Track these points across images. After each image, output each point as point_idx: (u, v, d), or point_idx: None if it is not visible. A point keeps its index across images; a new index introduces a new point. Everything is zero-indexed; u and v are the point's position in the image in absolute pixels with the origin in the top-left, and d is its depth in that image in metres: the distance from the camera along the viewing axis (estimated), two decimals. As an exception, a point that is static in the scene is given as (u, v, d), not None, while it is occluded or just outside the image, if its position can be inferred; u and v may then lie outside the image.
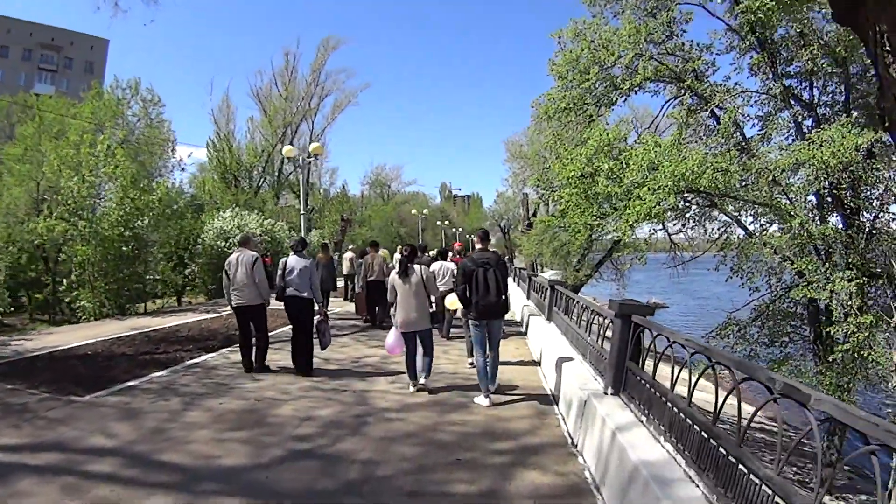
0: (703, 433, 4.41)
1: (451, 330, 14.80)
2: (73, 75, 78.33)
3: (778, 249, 16.08)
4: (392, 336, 9.56)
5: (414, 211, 71.13)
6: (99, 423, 7.59)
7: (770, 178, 15.84)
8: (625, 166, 16.72)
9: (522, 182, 49.36)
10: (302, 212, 23.14)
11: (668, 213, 16.99)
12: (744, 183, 16.57)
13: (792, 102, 17.28)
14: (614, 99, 19.88)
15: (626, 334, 6.37)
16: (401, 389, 9.61)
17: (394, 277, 9.55)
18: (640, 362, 6.15)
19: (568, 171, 17.92)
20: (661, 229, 19.04)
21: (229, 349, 12.98)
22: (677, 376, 5.10)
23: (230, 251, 24.27)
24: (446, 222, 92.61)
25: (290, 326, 11.34)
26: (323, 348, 11.55)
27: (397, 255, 16.93)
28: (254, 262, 10.56)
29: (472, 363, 10.89)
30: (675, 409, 4.95)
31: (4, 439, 6.91)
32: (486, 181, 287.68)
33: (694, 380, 4.76)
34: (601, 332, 7.95)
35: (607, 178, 17.00)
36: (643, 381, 5.82)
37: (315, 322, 11.07)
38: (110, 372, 10.53)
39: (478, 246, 9.24)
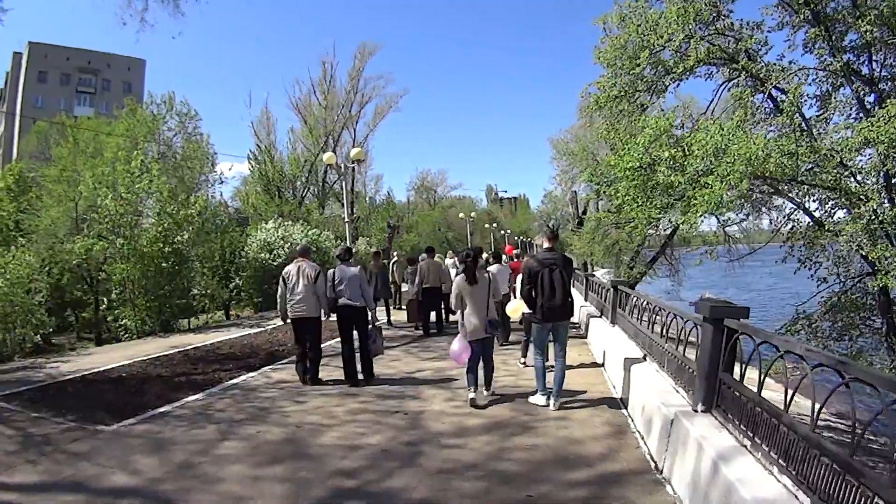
0: (836, 466, 3.50)
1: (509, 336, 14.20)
2: (111, 97, 78.76)
3: (850, 237, 14.93)
4: (457, 343, 9.04)
5: (461, 215, 70.90)
6: (123, 457, 6.94)
7: (838, 160, 14.77)
8: (687, 153, 15.70)
9: (571, 180, 48.17)
10: (346, 220, 22.61)
11: (739, 202, 15.88)
12: (810, 166, 15.44)
13: (853, 79, 16.18)
14: (667, 84, 18.97)
15: (718, 341, 5.50)
16: (458, 409, 8.69)
17: (461, 284, 9.09)
18: (740, 375, 5.23)
19: (625, 162, 16.82)
20: (725, 221, 17.77)
21: (271, 367, 12.43)
22: (793, 393, 4.21)
23: (274, 263, 25.85)
24: (494, 225, 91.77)
25: (338, 339, 11.16)
26: (373, 356, 11.13)
27: (448, 261, 17.13)
28: (317, 273, 10.51)
29: (524, 363, 11.33)
30: (793, 434, 4.02)
31: (18, 477, 6.35)
32: (531, 182, 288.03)
33: (822, 398, 3.83)
34: (681, 336, 7.03)
35: (668, 167, 16.01)
36: (744, 398, 4.91)
37: (368, 330, 10.86)
38: (143, 397, 9.96)
39: (545, 245, 9.00)
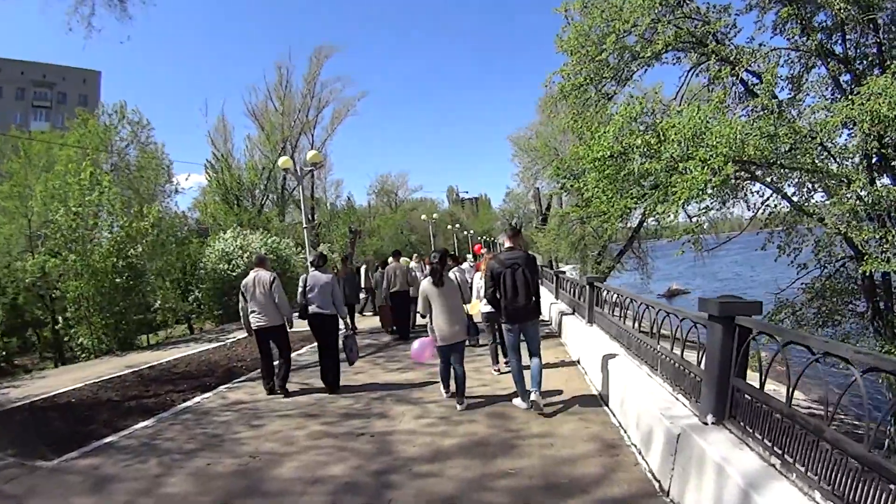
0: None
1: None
2: (67, 110, 77.16)
3: (831, 220, 14.39)
4: (417, 343, 9.10)
5: (423, 216, 69.80)
6: (61, 499, 6.30)
7: (819, 142, 14.18)
8: (663, 139, 14.88)
9: (533, 176, 48.15)
10: (304, 225, 21.52)
11: (721, 188, 15.09)
12: (788, 149, 14.73)
13: (827, 59, 15.61)
14: (634, 70, 18.34)
15: (728, 342, 4.74)
16: (431, 427, 7.86)
17: (427, 287, 8.89)
18: (760, 381, 4.47)
19: (594, 152, 15.95)
20: (702, 209, 16.89)
21: (227, 386, 11.68)
22: (837, 403, 3.51)
23: (233, 273, 25.29)
24: (457, 226, 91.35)
25: (314, 345, 11.44)
26: (350, 364, 11.20)
27: (413, 264, 16.76)
28: (272, 281, 10.35)
29: (497, 370, 10.84)
30: (841, 453, 3.29)
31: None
32: (493, 182, 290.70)
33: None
34: (676, 336, 6.35)
35: (642, 154, 15.28)
36: (768, 409, 4.18)
37: (341, 338, 10.86)
38: (89, 425, 9.26)
39: (506, 244, 8.72)
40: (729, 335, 4.69)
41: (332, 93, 56.55)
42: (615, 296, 9.95)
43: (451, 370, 9.00)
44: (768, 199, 16.79)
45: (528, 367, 8.37)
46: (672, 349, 6.35)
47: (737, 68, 15.79)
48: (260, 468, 6.78)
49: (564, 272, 18.88)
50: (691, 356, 5.68)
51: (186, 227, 36.90)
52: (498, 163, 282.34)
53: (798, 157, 14.43)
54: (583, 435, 6.99)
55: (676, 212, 15.09)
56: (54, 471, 7.23)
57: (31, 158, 30.14)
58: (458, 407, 8.65)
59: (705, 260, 21.78)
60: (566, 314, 14.11)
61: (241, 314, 10.55)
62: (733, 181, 15.31)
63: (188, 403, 10.37)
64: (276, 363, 10.78)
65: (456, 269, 12.73)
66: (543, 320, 16.76)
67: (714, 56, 16.31)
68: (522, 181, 54.46)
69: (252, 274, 10.50)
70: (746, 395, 4.50)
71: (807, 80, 16.23)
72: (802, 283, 17.04)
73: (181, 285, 28.55)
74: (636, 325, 8.07)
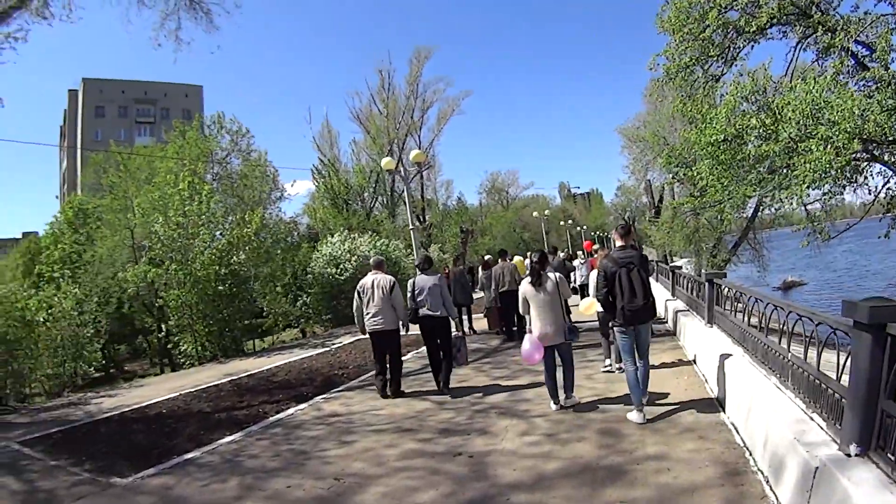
0: None
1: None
2: (170, 125, 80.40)
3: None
4: (528, 342, 8.54)
5: (535, 213, 69.56)
6: None
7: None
8: (779, 117, 13.82)
9: (644, 168, 46.69)
10: (411, 226, 21.37)
11: (846, 168, 13.88)
12: None
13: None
14: (741, 46, 17.18)
15: (878, 357, 3.83)
16: (534, 447, 7.11)
17: (526, 288, 8.68)
18: None
19: (707, 135, 15.08)
20: (827, 193, 15.50)
21: (324, 396, 11.28)
22: None
23: (341, 277, 25.38)
24: (569, 222, 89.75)
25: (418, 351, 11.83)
26: (459, 365, 11.27)
27: (527, 262, 15.26)
28: (392, 285, 10.39)
29: (606, 369, 10.74)
30: None
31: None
32: (604, 177, 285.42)
33: None
34: (811, 340, 5.36)
35: (758, 136, 14.27)
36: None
37: (452, 339, 10.86)
38: (174, 439, 9.11)
39: (619, 243, 8.35)
40: (879, 347, 3.80)
41: (436, 93, 56.72)
42: (738, 294, 9.07)
43: (556, 375, 8.62)
44: (889, 181, 15.51)
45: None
46: (806, 358, 5.44)
47: (846, 39, 14.56)
48: (341, 493, 6.25)
49: (680, 267, 17.92)
50: (830, 363, 4.85)
51: (297, 232, 37.35)
52: (609, 156, 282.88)
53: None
54: (703, 458, 6.13)
55: (800, 197, 13.98)
56: (126, 489, 6.99)
57: (131, 172, 31.04)
58: (563, 399, 8.64)
59: (820, 250, 20.70)
60: (683, 313, 13.21)
61: (356, 315, 10.58)
62: (854, 162, 14.13)
63: (280, 416, 10.06)
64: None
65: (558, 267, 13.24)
66: (659, 318, 16.00)
67: (821, 27, 15.06)
68: (633, 173, 53.20)
69: (370, 276, 10.55)
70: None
71: None
72: None
73: (291, 290, 28.80)
74: (763, 327, 7.14)
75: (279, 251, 27.08)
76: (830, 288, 49.11)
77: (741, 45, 17.08)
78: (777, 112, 13.74)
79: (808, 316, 5.54)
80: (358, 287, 10.61)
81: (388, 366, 10.59)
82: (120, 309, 24.66)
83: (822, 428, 4.78)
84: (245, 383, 13.60)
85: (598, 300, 8.50)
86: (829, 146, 12.23)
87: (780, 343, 6.24)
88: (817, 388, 5.00)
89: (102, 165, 37.04)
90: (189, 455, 8.08)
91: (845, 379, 4.36)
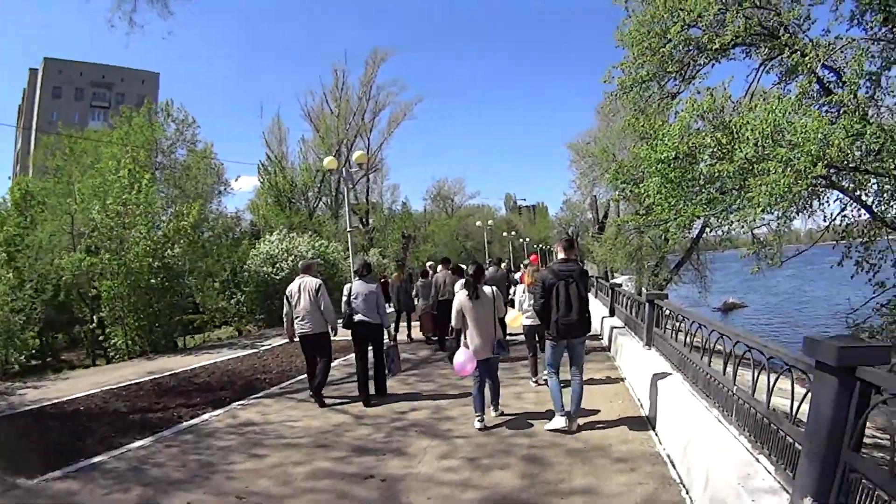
0: None
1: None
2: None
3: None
4: (462, 353, 8.35)
5: (479, 223, 70.16)
6: None
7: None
8: (736, 137, 13.43)
9: (591, 184, 47.22)
10: (349, 229, 20.56)
11: (805, 193, 13.53)
12: (877, 150, 13.14)
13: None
14: (702, 64, 16.85)
15: (843, 402, 3.39)
16: (452, 473, 6.61)
17: (462, 300, 8.50)
18: (892, 461, 3.14)
19: (657, 152, 14.52)
20: (782, 217, 15.20)
21: (242, 403, 10.89)
22: None
23: (277, 277, 26.77)
24: (513, 233, 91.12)
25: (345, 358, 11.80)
26: (392, 375, 11.15)
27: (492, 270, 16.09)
28: (318, 288, 10.32)
29: (535, 381, 10.70)
30: None
31: None
32: (551, 190, 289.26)
33: None
34: (757, 377, 4.95)
35: (712, 155, 13.90)
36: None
37: (385, 348, 10.76)
38: (86, 439, 8.75)
39: (561, 255, 8.31)
40: (846, 393, 3.35)
41: (389, 96, 57.01)
42: (680, 317, 8.64)
43: (484, 391, 8.51)
44: (844, 208, 15.25)
45: (567, 385, 8.13)
46: (754, 393, 4.99)
47: (813, 62, 14.31)
48: (244, 514, 5.76)
49: (620, 284, 17.65)
50: (782, 397, 4.45)
51: (239, 228, 37.87)
52: (557, 171, 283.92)
53: (885, 160, 12.95)
54: (635, 496, 5.65)
55: (754, 220, 13.58)
56: (29, 492, 6.71)
57: (77, 156, 30.69)
58: (493, 414, 8.68)
59: (764, 273, 20.65)
60: (621, 332, 12.88)
61: (284, 320, 10.56)
62: (812, 187, 13.83)
63: (195, 421, 9.65)
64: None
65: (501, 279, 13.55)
66: (595, 335, 15.74)
67: (787, 49, 14.73)
68: (579, 188, 54.00)
69: (298, 280, 10.51)
70: (866, 481, 3.22)
71: (887, 76, 14.46)
72: (877, 303, 15.44)
73: (229, 287, 28.31)
74: (706, 356, 6.70)
75: (215, 246, 27.01)
76: (770, 312, 50.40)
77: (702, 63, 16.79)
78: (734, 131, 13.36)
79: (758, 348, 5.09)
80: (286, 291, 10.59)
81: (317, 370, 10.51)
82: (56, 296, 23.47)
83: (770, 472, 4.35)
84: (166, 383, 13.27)
85: (535, 310, 8.48)
86: (788, 169, 11.89)
87: (724, 373, 5.85)
88: (766, 427, 4.58)
89: (51, 148, 36.76)
90: (97, 459, 7.73)
91: (801, 419, 3.97)
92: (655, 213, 16.22)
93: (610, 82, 18.31)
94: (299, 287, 10.31)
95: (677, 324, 8.61)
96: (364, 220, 55.17)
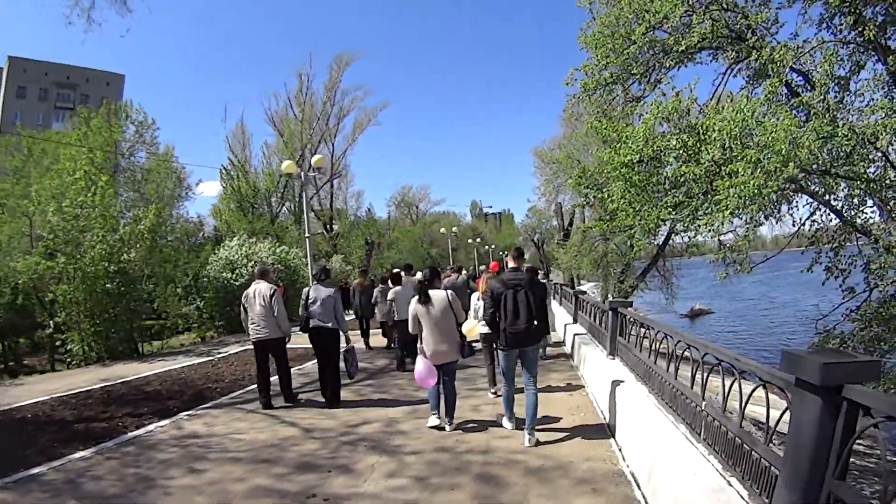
0: None
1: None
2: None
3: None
4: (421, 363, 8.41)
5: (443, 230, 70.25)
6: None
7: (881, 146, 12.50)
8: (702, 138, 13.13)
9: (555, 190, 47.21)
10: (306, 234, 20.39)
11: (774, 196, 13.13)
12: (847, 153, 12.83)
13: (889, 54, 13.62)
14: (667, 66, 16.54)
15: (829, 425, 3.01)
16: (400, 493, 6.20)
17: (415, 306, 8.60)
18: (885, 494, 2.77)
19: (621, 156, 14.20)
20: (750, 222, 14.87)
21: (190, 413, 10.53)
22: None
23: (237, 283, 25.91)
24: (478, 240, 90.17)
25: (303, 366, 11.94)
26: (350, 377, 11.39)
27: (444, 280, 15.16)
28: (272, 294, 10.38)
29: (494, 393, 10.50)
30: None
31: None
32: (518, 198, 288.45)
33: None
34: (729, 392, 4.61)
35: (678, 158, 13.60)
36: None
37: (341, 352, 10.85)
38: (27, 448, 8.50)
39: (510, 265, 8.32)
40: (830, 414, 3.00)
41: (353, 101, 57.00)
42: (645, 326, 8.37)
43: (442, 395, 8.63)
44: (813, 213, 15.00)
45: (521, 391, 8.15)
46: (725, 410, 4.67)
47: (782, 63, 14.02)
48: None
49: (585, 292, 17.38)
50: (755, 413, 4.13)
51: (202, 233, 38.10)
52: (525, 178, 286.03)
53: (856, 164, 12.78)
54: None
55: (722, 224, 13.13)
56: None
57: (35, 157, 30.16)
58: (447, 429, 8.45)
59: (731, 280, 20.58)
60: (584, 341, 12.64)
61: (244, 325, 10.66)
62: (782, 190, 13.51)
63: (139, 432, 9.32)
64: (273, 378, 10.76)
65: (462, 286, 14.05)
66: (558, 342, 15.91)
67: (755, 52, 14.58)
68: (544, 195, 53.59)
69: (253, 285, 10.59)
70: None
71: (856, 80, 14.33)
72: (847, 308, 15.36)
73: (191, 292, 27.92)
74: (672, 367, 6.38)
75: (172, 251, 26.75)
76: (737, 318, 50.47)
77: (668, 66, 16.52)
78: (701, 132, 13.09)
79: (729, 361, 4.76)
80: (242, 297, 10.63)
81: (271, 377, 10.66)
82: (15, 300, 23.19)
83: (742, 498, 4.01)
84: (116, 391, 12.86)
85: (486, 321, 8.25)
86: (758, 170, 11.59)
87: (692, 387, 5.50)
88: (738, 448, 4.23)
89: (10, 149, 35.82)
90: (36, 470, 7.49)
91: (778, 439, 3.62)
92: (620, 219, 16.03)
93: (572, 85, 17.98)
94: (254, 292, 10.34)
95: (642, 332, 8.37)
96: (328, 226, 55.22)
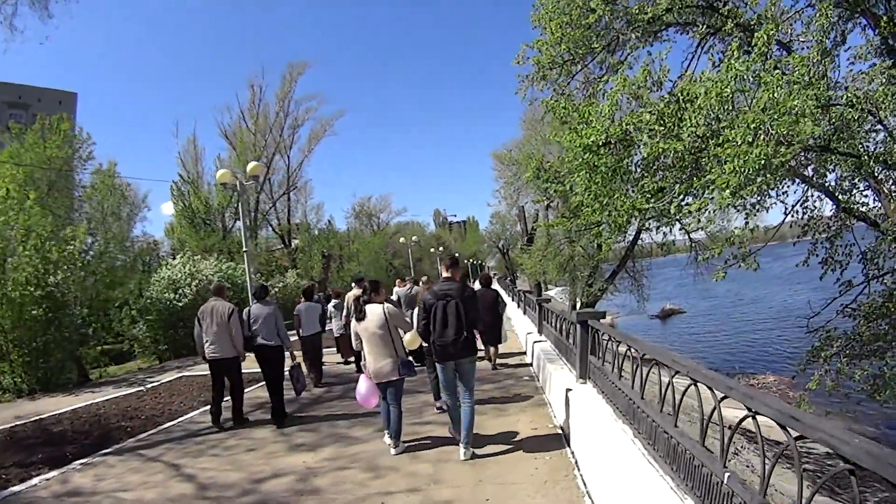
0: None
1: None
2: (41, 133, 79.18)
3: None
4: (363, 383, 8.21)
5: (402, 239, 70.13)
6: None
7: (883, 118, 10.95)
8: (682, 107, 10.94)
9: (516, 193, 46.23)
10: (244, 249, 19.13)
11: (781, 172, 11.18)
12: (841, 128, 11.19)
13: (880, 20, 11.99)
14: (632, 43, 14.74)
15: None
16: None
17: (353, 322, 8.32)
18: None
19: (584, 137, 11.71)
20: (749, 206, 12.63)
21: (84, 461, 9.08)
22: None
23: (180, 304, 24.62)
24: (440, 249, 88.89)
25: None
26: (298, 394, 11.48)
27: (397, 290, 16.83)
28: (230, 313, 10.23)
29: (440, 407, 10.18)
30: None
31: None
32: (482, 205, 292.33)
33: None
34: (729, 441, 3.25)
35: (653, 136, 11.25)
36: None
37: (287, 369, 10.89)
38: None
39: (444, 274, 8.22)
40: None
41: (308, 111, 55.98)
42: (624, 347, 6.42)
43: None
44: (805, 198, 13.29)
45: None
46: (724, 461, 3.21)
47: (770, 31, 12.12)
48: None
49: (550, 299, 15.91)
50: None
51: (156, 253, 37.08)
52: (488, 184, 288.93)
53: (856, 138, 11.10)
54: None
55: (722, 206, 10.36)
56: None
57: None
58: (392, 452, 8.14)
59: (703, 277, 19.53)
60: (549, 358, 11.33)
61: (196, 340, 10.50)
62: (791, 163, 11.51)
63: (20, 487, 8.12)
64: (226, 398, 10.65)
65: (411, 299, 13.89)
66: (526, 363, 14.62)
67: (731, 21, 13.00)
68: (504, 198, 52.54)
69: (210, 302, 10.45)
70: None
71: (838, 52, 12.64)
72: (841, 304, 13.84)
73: (138, 316, 26.20)
74: (666, 406, 4.61)
75: (124, 273, 25.39)
76: (708, 316, 50.73)
77: (632, 42, 14.74)
78: (681, 100, 10.96)
79: (743, 394, 3.22)
80: (199, 313, 10.44)
81: (224, 395, 10.61)
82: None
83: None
84: (19, 433, 11.60)
85: (418, 332, 8.11)
86: (761, 136, 9.44)
87: (701, 441, 3.80)
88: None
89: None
90: None
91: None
92: (585, 215, 13.55)
93: (524, 64, 15.95)
94: (211, 310, 10.22)
95: (619, 350, 6.68)
96: (287, 240, 54.73)
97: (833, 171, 12.31)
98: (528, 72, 15.88)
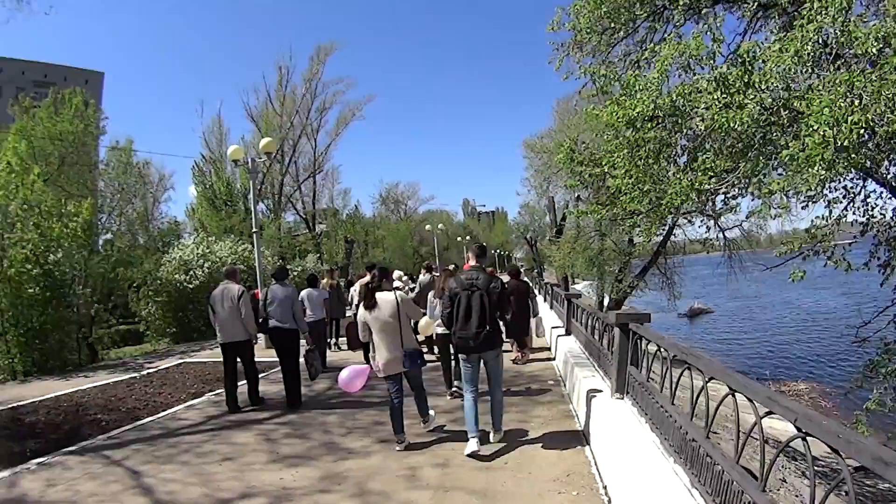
0: None
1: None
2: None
3: None
4: (348, 369, 7.94)
5: (428, 227, 68.61)
6: None
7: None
8: (748, 73, 9.03)
9: (546, 181, 44.01)
10: (254, 229, 18.95)
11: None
12: None
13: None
14: (674, 16, 12.93)
15: None
16: None
17: (361, 311, 7.89)
18: None
19: (628, 107, 9.91)
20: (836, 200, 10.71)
21: (41, 461, 8.12)
22: None
23: (191, 285, 24.36)
24: (468, 239, 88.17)
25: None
26: (312, 379, 10.97)
27: (422, 277, 16.00)
28: (239, 295, 10.17)
29: (450, 395, 10.17)
30: None
31: None
32: (511, 196, 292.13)
33: None
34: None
35: (710, 105, 9.25)
36: None
37: (303, 353, 10.66)
38: None
39: (470, 263, 7.99)
40: None
41: (336, 95, 54.65)
42: (678, 361, 4.99)
43: (402, 410, 7.76)
44: (868, 196, 11.20)
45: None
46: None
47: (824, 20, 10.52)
48: None
49: (580, 294, 14.43)
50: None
51: (177, 234, 35.93)
52: (518, 175, 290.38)
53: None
54: None
55: (811, 187, 8.48)
56: None
57: None
58: (423, 426, 8.24)
59: (736, 277, 18.53)
60: (578, 361, 9.96)
61: (214, 326, 10.46)
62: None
63: None
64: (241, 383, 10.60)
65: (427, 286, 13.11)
66: (550, 357, 13.83)
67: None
68: (534, 187, 50.67)
69: (221, 286, 10.41)
70: None
71: None
72: (894, 314, 12.13)
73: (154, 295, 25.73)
74: (739, 454, 3.41)
75: (143, 252, 26.11)
76: (735, 316, 50.57)
77: (676, 19, 13.04)
78: (747, 62, 9.07)
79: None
80: (210, 298, 10.41)
81: (237, 381, 10.51)
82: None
83: None
84: None
85: (442, 320, 7.88)
86: (855, 102, 7.57)
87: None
88: None
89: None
90: None
91: None
92: (623, 203, 11.65)
93: (558, 30, 13.91)
94: (221, 294, 10.21)
95: (671, 364, 5.06)
96: (311, 224, 53.77)
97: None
98: (564, 38, 14.20)
